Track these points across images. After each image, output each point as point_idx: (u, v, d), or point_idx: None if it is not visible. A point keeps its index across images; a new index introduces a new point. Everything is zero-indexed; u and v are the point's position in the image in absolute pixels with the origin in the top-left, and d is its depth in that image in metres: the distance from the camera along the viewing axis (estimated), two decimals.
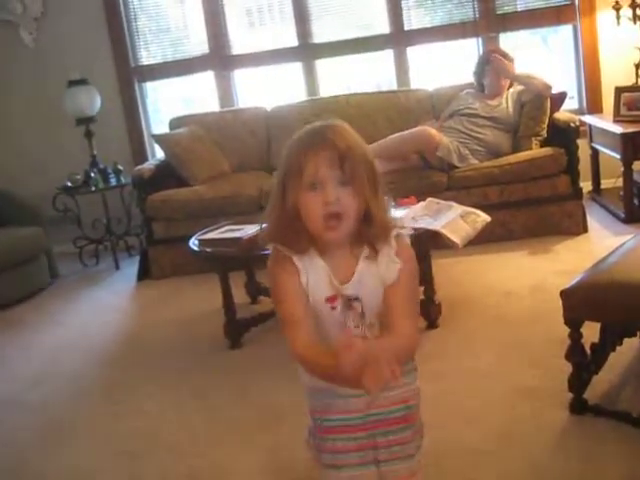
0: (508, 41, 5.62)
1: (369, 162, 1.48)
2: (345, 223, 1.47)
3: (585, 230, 4.69)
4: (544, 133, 4.90)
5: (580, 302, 2.49)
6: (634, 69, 5.14)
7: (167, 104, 6.44)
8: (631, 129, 4.67)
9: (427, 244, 3.49)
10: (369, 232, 1.51)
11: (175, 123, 5.71)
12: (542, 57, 5.99)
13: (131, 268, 5.34)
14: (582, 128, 4.97)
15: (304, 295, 1.52)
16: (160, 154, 5.71)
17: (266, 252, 1.60)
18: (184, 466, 2.63)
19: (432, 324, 3.51)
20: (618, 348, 2.71)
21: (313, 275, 1.52)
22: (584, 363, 2.55)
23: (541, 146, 4.86)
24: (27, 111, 6.07)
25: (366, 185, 1.46)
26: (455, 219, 3.43)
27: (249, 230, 3.45)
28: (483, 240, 3.84)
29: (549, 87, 4.86)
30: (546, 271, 4.03)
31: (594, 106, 5.56)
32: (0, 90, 6.08)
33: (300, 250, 1.51)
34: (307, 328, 1.51)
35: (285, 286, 1.52)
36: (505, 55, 5.07)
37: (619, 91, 5.04)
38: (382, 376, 1.30)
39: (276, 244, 1.53)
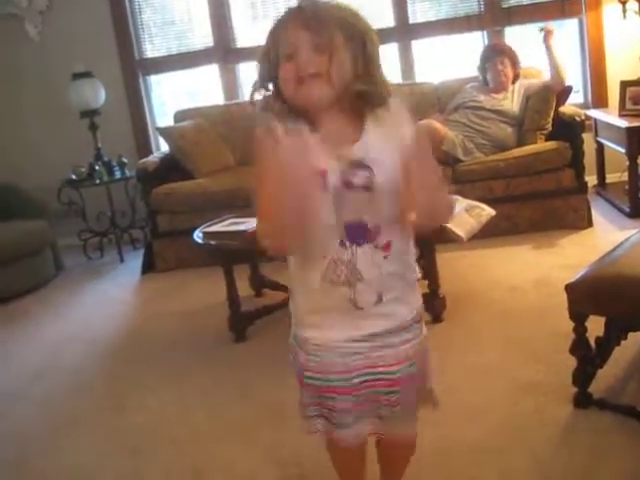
0: (513, 35, 5.61)
1: (357, 30, 1.43)
2: (324, 82, 1.41)
3: (590, 224, 4.68)
4: (549, 127, 4.88)
5: (585, 296, 2.49)
6: None
7: (172, 97, 6.43)
8: (636, 123, 4.66)
9: (432, 238, 3.49)
10: (366, 101, 1.45)
11: (180, 116, 5.71)
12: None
13: (135, 261, 5.35)
14: (587, 122, 4.95)
15: None
16: (165, 147, 5.72)
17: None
18: (187, 461, 2.63)
19: (436, 318, 3.50)
20: (623, 342, 2.70)
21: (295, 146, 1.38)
22: (589, 357, 2.55)
23: (546, 140, 4.85)
24: (32, 104, 6.08)
25: (349, 49, 1.41)
26: (460, 213, 3.43)
27: (253, 223, 3.45)
28: (488, 234, 3.83)
29: (563, 83, 4.84)
30: (551, 265, 4.03)
31: (599, 100, 5.55)
32: (5, 83, 6.09)
33: (289, 121, 1.44)
34: None
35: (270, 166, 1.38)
36: (506, 47, 5.07)
37: (625, 85, 5.02)
38: None
39: (268, 116, 1.46)
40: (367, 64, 1.43)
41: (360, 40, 1.42)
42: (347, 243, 1.47)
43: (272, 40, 1.45)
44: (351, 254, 1.48)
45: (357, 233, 1.47)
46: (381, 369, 1.59)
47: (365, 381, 1.61)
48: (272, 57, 1.45)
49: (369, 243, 1.48)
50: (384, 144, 1.45)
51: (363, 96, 1.44)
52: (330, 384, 1.59)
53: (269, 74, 1.46)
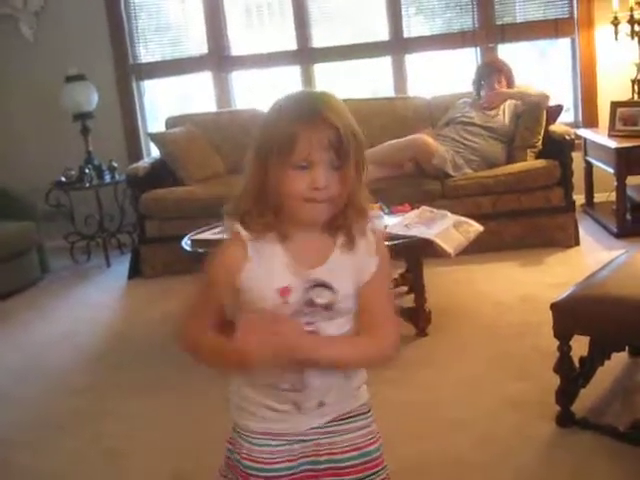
0: (506, 52, 5.64)
1: (360, 143, 1.31)
2: (329, 208, 1.32)
3: (577, 243, 4.70)
4: (539, 145, 4.91)
5: (570, 315, 2.50)
6: (630, 84, 5.17)
7: (164, 103, 6.44)
8: (626, 144, 4.69)
9: (419, 252, 3.50)
10: (346, 219, 1.35)
11: (171, 122, 5.71)
12: (540, 69, 6.01)
13: (122, 266, 5.33)
14: (577, 141, 4.99)
15: (219, 307, 1.42)
16: (155, 153, 5.72)
17: None
18: (169, 466, 2.62)
19: (421, 332, 3.51)
20: (606, 362, 2.72)
21: (265, 263, 1.34)
22: (572, 376, 2.56)
23: (536, 158, 4.88)
24: (24, 105, 6.06)
25: (355, 169, 1.31)
26: (448, 228, 3.44)
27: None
28: (475, 250, 3.83)
29: (547, 97, 4.88)
30: (537, 283, 4.04)
31: (590, 120, 5.59)
32: None
33: (258, 230, 1.34)
34: (211, 324, 1.42)
35: (218, 278, 1.38)
36: (503, 65, 5.10)
37: (615, 106, 5.05)
38: (268, 347, 1.24)
39: (238, 225, 1.36)
40: (358, 182, 1.34)
41: (361, 153, 1.33)
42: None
43: (271, 133, 1.32)
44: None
45: None
46: (326, 457, 1.48)
47: (308, 470, 1.49)
48: (266, 150, 1.31)
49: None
50: (349, 272, 1.39)
51: (342, 221, 1.37)
52: (274, 474, 1.46)
53: (274, 175, 1.31)
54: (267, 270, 1.34)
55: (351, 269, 1.39)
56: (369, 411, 1.53)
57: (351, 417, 1.49)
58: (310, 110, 1.28)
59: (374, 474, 1.49)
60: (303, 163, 1.28)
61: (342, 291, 1.37)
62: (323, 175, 1.28)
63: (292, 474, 1.47)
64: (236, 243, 1.36)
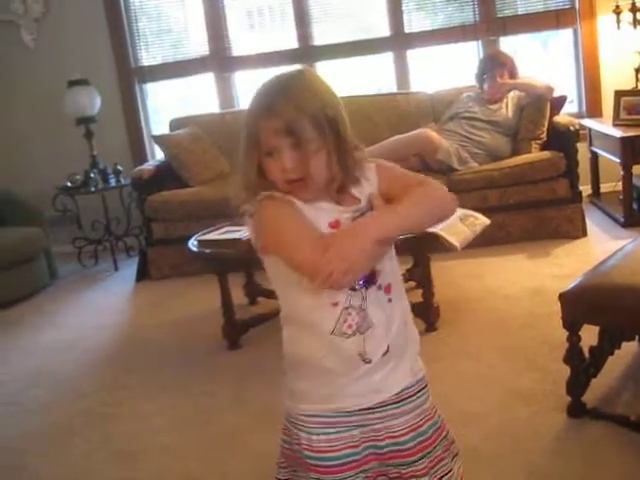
0: (508, 45, 5.63)
1: (328, 117, 1.39)
2: (311, 182, 1.40)
3: (584, 234, 4.69)
4: (544, 136, 4.90)
5: (579, 305, 2.49)
6: (634, 73, 5.15)
7: (167, 105, 6.44)
8: (631, 133, 4.68)
9: (426, 247, 3.49)
10: (341, 181, 1.43)
11: (175, 124, 5.72)
12: (542, 61, 6.00)
13: (130, 269, 5.34)
14: (582, 132, 4.97)
15: (316, 228, 1.41)
16: (160, 155, 5.73)
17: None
18: (180, 468, 2.63)
19: (430, 327, 3.50)
20: (617, 352, 2.71)
21: (308, 211, 1.42)
22: (582, 366, 2.55)
23: (541, 149, 4.87)
24: (27, 111, 6.08)
25: (324, 139, 1.38)
26: (454, 222, 3.42)
27: (248, 231, 3.45)
28: (482, 243, 3.83)
29: (551, 89, 4.86)
30: (545, 274, 4.04)
31: (594, 110, 5.57)
32: (1, 90, 6.08)
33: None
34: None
35: (298, 226, 1.39)
36: (505, 58, 5.08)
37: (619, 95, 5.04)
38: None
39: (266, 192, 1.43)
40: (341, 154, 1.41)
41: (333, 129, 1.40)
42: (357, 285, 1.42)
43: (250, 129, 1.43)
44: (362, 298, 1.43)
45: (364, 275, 1.43)
46: (387, 441, 1.50)
47: (372, 453, 1.52)
48: (254, 143, 1.42)
49: (374, 285, 1.45)
50: (369, 191, 1.47)
51: (337, 180, 1.43)
52: (339, 461, 1.48)
53: (255, 165, 1.44)
54: (315, 213, 1.42)
55: (368, 189, 1.47)
56: (424, 388, 1.57)
57: (407, 398, 1.52)
58: (265, 102, 1.40)
59: (432, 450, 1.54)
60: (268, 151, 1.40)
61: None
62: (287, 159, 1.38)
63: (358, 460, 1.50)
64: (272, 199, 1.42)
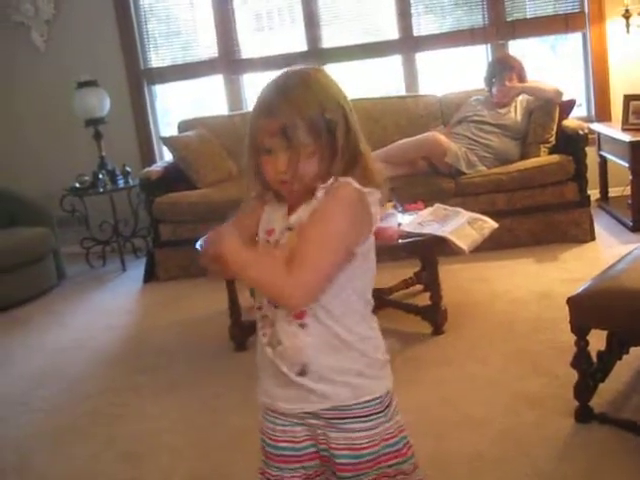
0: (517, 48, 5.63)
1: (327, 122, 1.40)
2: (297, 184, 1.43)
3: (592, 238, 4.68)
4: (552, 140, 4.89)
5: (587, 310, 2.49)
6: None
7: (176, 107, 6.45)
8: (639, 137, 4.66)
9: (434, 250, 3.50)
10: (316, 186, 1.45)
11: (184, 126, 5.73)
12: (551, 65, 5.99)
13: (137, 270, 5.35)
14: (590, 136, 4.97)
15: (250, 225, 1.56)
16: (168, 156, 5.74)
17: None
18: (187, 469, 2.63)
19: (438, 330, 3.50)
20: (624, 356, 2.71)
21: (270, 212, 1.52)
22: (590, 371, 2.55)
23: (549, 153, 4.86)
24: (37, 112, 6.09)
25: (320, 144, 1.40)
26: (462, 225, 3.43)
27: None
28: (490, 247, 3.84)
29: (560, 93, 4.85)
30: (553, 279, 4.03)
31: (603, 114, 5.56)
32: (11, 91, 6.11)
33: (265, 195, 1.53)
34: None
35: (245, 213, 1.59)
36: (514, 61, 5.07)
37: (628, 99, 5.03)
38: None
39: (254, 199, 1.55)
40: (332, 160, 1.42)
41: (332, 136, 1.41)
42: (269, 301, 1.47)
43: (250, 126, 1.48)
44: (272, 314, 1.47)
45: None
46: (323, 445, 1.49)
47: (315, 452, 1.52)
48: (252, 141, 1.47)
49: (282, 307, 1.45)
50: (304, 216, 1.45)
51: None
52: (279, 452, 1.53)
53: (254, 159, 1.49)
54: (268, 217, 1.53)
55: (308, 212, 1.45)
56: (376, 413, 1.48)
57: (352, 418, 1.46)
58: (265, 101, 1.44)
59: (364, 474, 1.48)
60: (264, 149, 1.44)
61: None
62: (280, 160, 1.42)
63: (297, 456, 1.52)
64: (256, 199, 1.55)
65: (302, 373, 1.45)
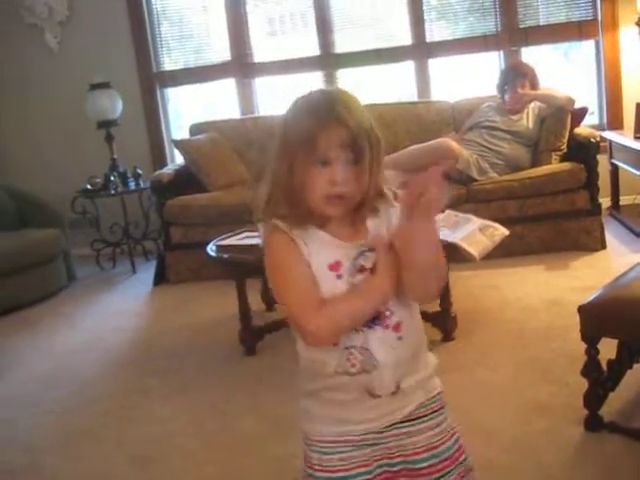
0: (530, 55, 5.62)
1: (376, 137, 1.39)
2: (348, 202, 1.39)
3: (603, 246, 4.67)
4: (564, 148, 4.89)
5: (597, 318, 2.48)
6: None
7: (188, 110, 6.47)
8: None
9: (445, 256, 3.48)
10: (365, 207, 1.42)
11: (195, 129, 5.74)
12: (563, 72, 5.98)
13: (148, 272, 5.37)
14: (602, 144, 4.96)
15: (313, 276, 1.39)
16: (180, 159, 5.75)
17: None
18: (196, 472, 2.63)
19: (448, 336, 3.50)
20: (635, 365, 2.70)
21: (312, 244, 1.40)
22: (600, 380, 2.54)
23: (561, 161, 4.86)
24: (50, 114, 6.13)
25: (371, 164, 1.38)
26: (473, 232, 3.42)
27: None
28: (501, 254, 3.83)
29: (572, 101, 4.84)
30: (563, 287, 4.02)
31: (615, 122, 5.55)
32: (24, 92, 6.15)
33: (299, 222, 1.41)
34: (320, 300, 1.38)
35: (295, 270, 1.39)
36: (527, 68, 5.07)
37: None
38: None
39: (275, 219, 1.41)
40: (377, 173, 1.41)
41: (378, 149, 1.40)
42: (357, 326, 1.41)
43: (293, 132, 1.39)
44: (363, 338, 1.41)
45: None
46: (399, 459, 1.48)
47: (385, 472, 1.49)
48: (289, 150, 1.39)
49: (379, 325, 1.42)
50: (381, 228, 1.43)
51: (365, 204, 1.43)
52: (371, 475, 1.47)
53: (300, 172, 1.38)
54: (316, 250, 1.40)
55: (384, 225, 1.43)
56: (442, 407, 1.53)
57: (422, 417, 1.49)
58: (326, 111, 1.36)
59: (447, 474, 1.50)
60: (323, 160, 1.36)
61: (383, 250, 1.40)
62: (340, 171, 1.36)
63: (369, 479, 1.47)
64: (279, 232, 1.40)
65: (396, 390, 1.44)
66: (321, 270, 1.39)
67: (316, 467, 1.49)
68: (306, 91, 1.44)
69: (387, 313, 1.41)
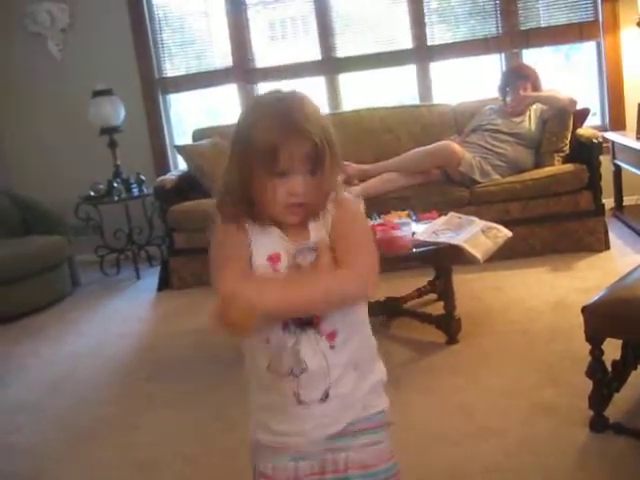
0: (531, 57, 5.63)
1: (333, 148, 1.38)
2: (308, 209, 1.39)
3: (607, 247, 4.66)
4: (566, 149, 4.88)
5: (602, 319, 2.48)
6: None
7: (190, 116, 6.48)
8: None
9: (448, 259, 3.49)
10: (322, 207, 1.43)
11: (198, 135, 5.75)
12: (565, 74, 5.98)
13: (152, 278, 5.37)
14: (605, 145, 4.95)
15: (249, 260, 1.39)
16: (182, 165, 5.76)
17: None
18: (201, 478, 2.63)
19: (452, 339, 3.49)
20: (639, 366, 2.70)
21: (258, 236, 1.41)
22: (605, 380, 2.54)
23: (563, 162, 4.85)
24: (53, 121, 6.14)
25: (329, 172, 1.38)
26: (476, 234, 3.43)
27: None
28: (504, 256, 3.83)
29: (574, 102, 4.84)
30: (567, 288, 4.01)
31: (617, 123, 5.55)
32: (27, 100, 6.16)
33: (252, 218, 1.42)
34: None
35: (234, 252, 1.40)
36: (529, 70, 5.07)
37: None
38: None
39: (229, 222, 1.43)
40: (334, 179, 1.41)
41: (335, 156, 1.39)
42: (291, 326, 1.39)
43: (251, 141, 1.37)
44: (295, 340, 1.40)
45: (299, 318, 1.40)
46: (331, 475, 1.45)
47: None
48: (248, 158, 1.38)
49: (312, 329, 1.40)
50: (321, 233, 1.43)
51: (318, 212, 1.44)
52: None
53: (259, 181, 1.38)
54: (260, 241, 1.40)
55: (324, 229, 1.43)
56: (381, 426, 1.49)
57: (360, 431, 1.45)
58: (288, 122, 1.34)
59: None
60: (283, 171, 1.35)
61: (323, 250, 1.40)
62: (300, 183, 1.36)
63: None
64: (234, 222, 1.42)
65: (323, 398, 1.42)
66: (260, 259, 1.39)
67: (258, 473, 1.51)
68: (261, 94, 1.46)
69: (318, 318, 1.40)
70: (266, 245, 1.40)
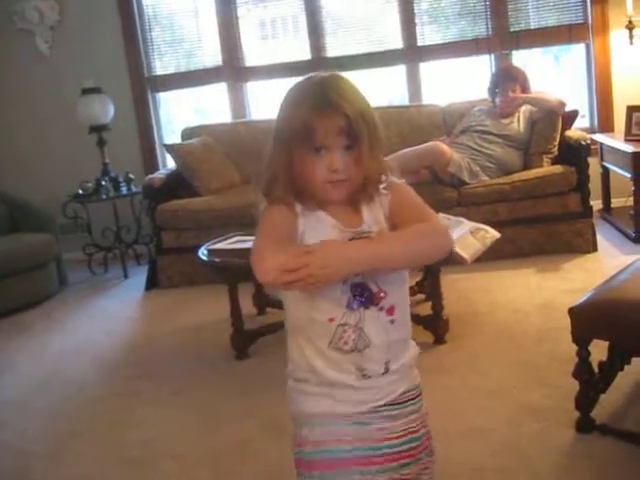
0: (521, 59, 5.64)
1: (373, 122, 1.43)
2: (351, 185, 1.43)
3: (595, 249, 4.68)
4: (555, 151, 4.90)
5: (589, 320, 2.49)
6: None
7: (180, 114, 6.47)
8: None
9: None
10: (365, 192, 1.47)
11: (187, 133, 5.74)
12: (554, 75, 6.00)
13: (140, 277, 5.35)
14: (593, 147, 4.97)
15: (295, 239, 1.42)
16: (171, 164, 5.74)
17: None
18: (188, 476, 2.63)
19: (439, 340, 3.50)
20: (626, 367, 2.70)
21: (311, 222, 1.44)
22: (592, 382, 2.54)
23: (552, 164, 4.86)
24: (41, 118, 6.11)
25: (370, 147, 1.42)
26: (465, 235, 3.42)
27: None
28: (492, 257, 3.83)
29: (563, 104, 4.86)
30: (555, 289, 4.03)
31: (605, 125, 5.56)
32: (15, 97, 6.13)
33: (301, 201, 1.45)
34: None
35: (278, 227, 1.42)
36: (518, 72, 5.08)
37: (631, 110, 5.04)
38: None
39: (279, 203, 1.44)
40: (377, 156, 1.45)
41: (375, 132, 1.43)
42: (354, 305, 1.43)
43: (288, 120, 1.43)
44: (359, 317, 1.44)
45: (363, 295, 1.44)
46: (385, 442, 1.51)
47: (370, 456, 1.51)
48: (286, 138, 1.42)
49: (375, 306, 1.45)
50: (378, 216, 1.48)
51: (363, 190, 1.47)
52: (332, 456, 1.49)
53: (298, 160, 1.42)
54: (314, 228, 1.43)
55: (380, 212, 1.48)
56: (420, 395, 1.59)
57: (406, 401, 1.53)
58: (322, 99, 1.39)
59: (419, 459, 1.55)
60: (320, 147, 1.40)
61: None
62: (339, 158, 1.40)
63: (346, 458, 1.49)
64: (284, 203, 1.44)
65: (385, 371, 1.48)
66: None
67: (304, 442, 1.52)
68: (301, 79, 1.48)
69: (382, 294, 1.45)
70: (319, 231, 1.42)
